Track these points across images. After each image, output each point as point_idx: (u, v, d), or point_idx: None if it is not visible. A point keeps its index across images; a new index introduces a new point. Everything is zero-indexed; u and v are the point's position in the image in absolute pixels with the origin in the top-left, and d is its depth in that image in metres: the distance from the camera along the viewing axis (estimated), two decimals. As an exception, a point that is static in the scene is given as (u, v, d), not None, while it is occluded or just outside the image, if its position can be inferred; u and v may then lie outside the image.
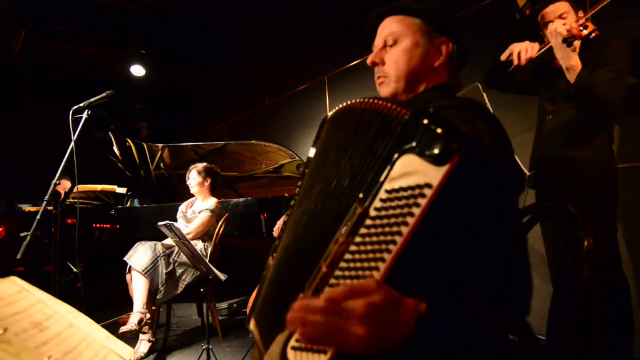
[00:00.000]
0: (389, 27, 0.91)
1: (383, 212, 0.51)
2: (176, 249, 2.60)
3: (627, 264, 1.98)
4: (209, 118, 5.72)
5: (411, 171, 0.50)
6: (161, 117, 6.47)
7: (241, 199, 3.11)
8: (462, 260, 0.56)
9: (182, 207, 3.01)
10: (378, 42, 0.93)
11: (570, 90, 1.62)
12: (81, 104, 1.82)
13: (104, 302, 3.77)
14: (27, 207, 4.42)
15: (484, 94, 1.69)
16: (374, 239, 0.52)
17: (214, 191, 3.01)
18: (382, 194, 0.52)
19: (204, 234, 2.79)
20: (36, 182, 2.75)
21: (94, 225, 3.62)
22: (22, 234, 3.71)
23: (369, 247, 0.52)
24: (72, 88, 5.16)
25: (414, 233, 0.48)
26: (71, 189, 2.02)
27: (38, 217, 1.61)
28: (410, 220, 0.48)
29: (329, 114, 0.81)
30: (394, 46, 0.90)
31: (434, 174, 0.48)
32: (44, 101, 5.40)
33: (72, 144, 1.74)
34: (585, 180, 1.65)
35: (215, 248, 2.76)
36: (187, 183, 2.94)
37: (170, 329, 2.79)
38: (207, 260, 2.32)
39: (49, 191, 1.68)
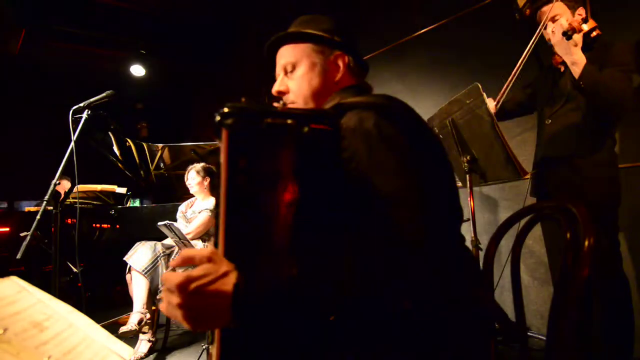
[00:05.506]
0: (284, 55, 0.96)
1: None
2: (176, 249, 2.60)
3: (629, 264, 1.98)
4: (209, 118, 5.71)
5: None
6: (161, 117, 6.47)
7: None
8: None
9: (182, 207, 3.01)
10: (278, 71, 0.98)
11: (577, 86, 1.60)
12: (81, 104, 1.82)
13: (104, 302, 3.77)
14: (28, 207, 4.42)
15: (484, 94, 1.69)
16: None
17: (213, 191, 3.01)
18: None
19: (204, 234, 2.78)
20: (36, 182, 2.74)
21: (94, 225, 3.61)
22: (22, 234, 3.70)
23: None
24: (72, 88, 5.15)
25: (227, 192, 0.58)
26: (71, 189, 2.02)
27: (38, 217, 1.60)
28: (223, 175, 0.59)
29: None
30: (294, 72, 0.94)
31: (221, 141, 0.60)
32: (44, 101, 5.40)
33: (72, 144, 1.74)
34: (587, 181, 1.64)
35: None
36: (187, 184, 2.95)
37: (170, 329, 2.78)
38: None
39: (49, 191, 1.68)
